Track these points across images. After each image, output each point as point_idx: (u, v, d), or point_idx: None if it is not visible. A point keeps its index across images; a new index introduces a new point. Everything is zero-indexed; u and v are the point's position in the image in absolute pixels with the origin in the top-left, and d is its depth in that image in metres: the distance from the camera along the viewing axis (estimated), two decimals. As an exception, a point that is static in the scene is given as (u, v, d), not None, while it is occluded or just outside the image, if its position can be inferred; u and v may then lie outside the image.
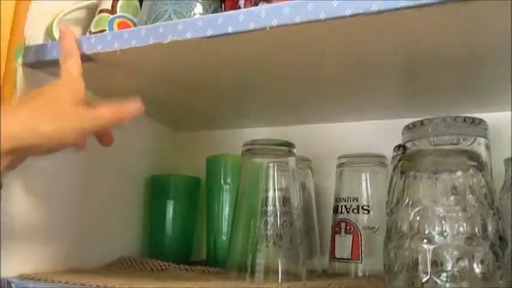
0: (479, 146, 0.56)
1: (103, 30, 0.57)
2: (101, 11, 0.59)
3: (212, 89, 0.60)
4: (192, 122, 0.80)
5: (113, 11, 0.58)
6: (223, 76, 0.56)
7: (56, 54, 0.51)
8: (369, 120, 0.72)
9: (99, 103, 0.44)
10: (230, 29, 0.43)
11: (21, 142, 0.38)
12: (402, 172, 0.47)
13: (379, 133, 0.71)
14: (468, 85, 0.58)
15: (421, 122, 0.58)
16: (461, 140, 0.56)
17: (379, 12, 0.38)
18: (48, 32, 0.56)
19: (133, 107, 0.45)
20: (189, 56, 0.49)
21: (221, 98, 0.65)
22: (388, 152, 0.60)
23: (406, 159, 0.48)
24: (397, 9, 0.37)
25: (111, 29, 0.57)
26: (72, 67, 0.46)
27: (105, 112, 0.43)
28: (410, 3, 0.37)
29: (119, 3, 0.58)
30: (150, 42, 0.46)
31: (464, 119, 0.57)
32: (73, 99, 0.42)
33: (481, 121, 0.56)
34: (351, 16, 0.39)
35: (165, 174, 0.75)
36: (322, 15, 0.40)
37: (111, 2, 0.59)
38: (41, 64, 0.52)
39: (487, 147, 0.57)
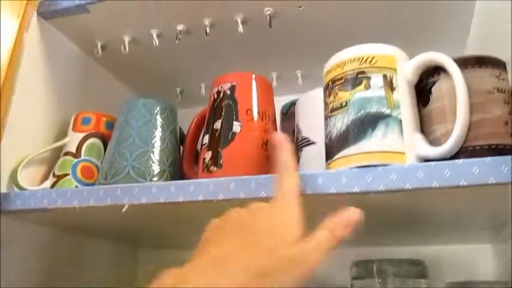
0: (420, 285, 0.60)
1: (66, 174, 0.60)
2: (66, 153, 0.62)
3: (170, 230, 0.63)
4: (153, 241, 0.82)
5: (77, 154, 0.62)
6: (182, 223, 0.59)
7: (19, 204, 0.53)
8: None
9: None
10: (181, 198, 0.47)
11: None
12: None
13: (333, 261, 0.74)
14: (412, 227, 0.62)
15: (368, 262, 0.62)
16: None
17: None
18: (13, 177, 0.58)
19: (351, 218, 0.36)
20: (144, 214, 0.52)
21: (179, 232, 0.68)
22: (343, 279, 0.64)
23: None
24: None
25: (74, 173, 0.60)
26: (290, 187, 0.37)
27: (323, 239, 0.34)
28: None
29: (84, 147, 0.62)
30: (108, 203, 0.49)
31: (407, 261, 0.61)
32: (290, 235, 0.33)
33: (421, 263, 0.61)
34: (289, 197, 0.43)
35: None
36: (263, 193, 0.44)
37: (76, 144, 0.62)
38: (5, 212, 0.54)
39: (429, 286, 0.60)
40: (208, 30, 0.66)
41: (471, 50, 0.68)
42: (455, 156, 0.41)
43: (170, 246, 0.83)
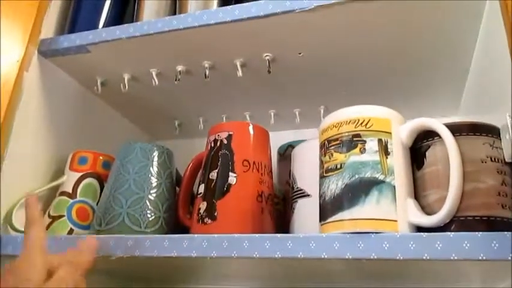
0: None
1: (61, 216, 0.60)
2: (62, 193, 0.62)
3: (162, 270, 0.63)
4: (146, 277, 0.81)
5: (73, 194, 0.62)
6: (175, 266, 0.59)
7: (11, 249, 0.53)
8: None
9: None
10: (174, 253, 0.47)
11: None
12: None
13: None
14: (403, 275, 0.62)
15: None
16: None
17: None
18: (8, 218, 0.58)
19: (86, 248, 0.46)
20: (138, 261, 0.52)
21: (172, 271, 0.68)
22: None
23: None
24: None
25: (69, 215, 0.60)
26: (34, 243, 0.44)
27: (63, 274, 0.43)
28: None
29: (80, 187, 0.62)
30: (100, 254, 0.49)
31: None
32: (33, 277, 0.41)
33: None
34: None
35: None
36: (255, 254, 0.44)
37: (72, 184, 0.62)
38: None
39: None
40: (207, 73, 0.66)
41: (465, 109, 0.69)
42: (447, 225, 0.41)
43: (162, 280, 0.83)
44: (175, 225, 0.58)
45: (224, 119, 0.83)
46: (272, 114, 0.81)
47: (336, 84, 0.70)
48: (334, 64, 0.65)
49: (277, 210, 0.61)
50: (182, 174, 0.63)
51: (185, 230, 0.56)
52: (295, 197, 0.55)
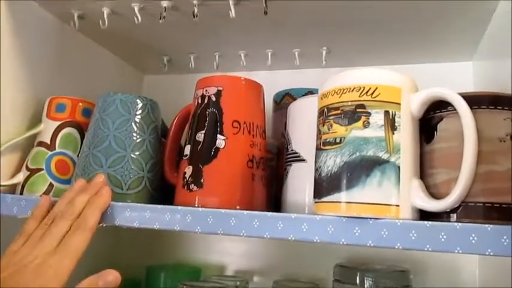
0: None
1: (40, 169, 0.56)
2: (40, 143, 0.58)
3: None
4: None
5: (51, 145, 0.57)
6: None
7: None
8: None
9: None
10: (156, 225, 0.44)
11: None
12: None
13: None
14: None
15: (352, 268, 0.61)
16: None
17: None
18: (-18, 172, 0.55)
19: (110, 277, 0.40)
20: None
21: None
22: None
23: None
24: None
25: (48, 168, 0.56)
26: (79, 242, 0.42)
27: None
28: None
29: (59, 138, 0.58)
30: (79, 221, 0.46)
31: (391, 272, 0.60)
32: None
33: (404, 272, 0.60)
34: (270, 239, 0.40)
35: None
36: (243, 232, 0.41)
37: (50, 134, 0.58)
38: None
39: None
40: (196, 11, 0.58)
41: (483, 55, 0.62)
42: (453, 210, 0.38)
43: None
44: (161, 183, 0.55)
45: (217, 57, 0.76)
46: (269, 54, 0.74)
47: (341, 25, 0.63)
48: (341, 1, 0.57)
49: (270, 166, 0.57)
50: (168, 125, 0.58)
51: (172, 188, 0.53)
52: (289, 159, 0.51)
